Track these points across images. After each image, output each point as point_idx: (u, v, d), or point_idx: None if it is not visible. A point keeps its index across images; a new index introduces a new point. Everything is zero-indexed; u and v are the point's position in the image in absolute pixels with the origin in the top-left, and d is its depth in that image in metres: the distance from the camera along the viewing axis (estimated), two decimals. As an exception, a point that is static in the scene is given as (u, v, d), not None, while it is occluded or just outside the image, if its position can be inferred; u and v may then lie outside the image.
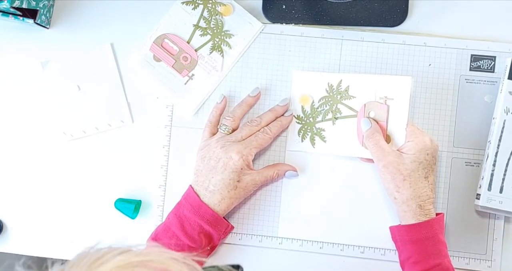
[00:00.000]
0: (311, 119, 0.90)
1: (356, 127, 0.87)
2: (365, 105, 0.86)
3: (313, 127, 0.90)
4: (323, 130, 0.89)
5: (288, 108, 0.90)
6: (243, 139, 0.85)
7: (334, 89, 0.89)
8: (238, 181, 0.84)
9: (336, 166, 0.90)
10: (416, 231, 0.80)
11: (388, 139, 0.85)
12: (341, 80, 0.88)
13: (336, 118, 0.88)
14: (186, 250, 0.81)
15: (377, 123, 0.85)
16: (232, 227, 0.87)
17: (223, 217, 0.85)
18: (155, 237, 0.84)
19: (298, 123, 0.90)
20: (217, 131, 0.88)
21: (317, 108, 0.90)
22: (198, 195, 0.84)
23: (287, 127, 0.90)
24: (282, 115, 0.89)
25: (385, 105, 0.85)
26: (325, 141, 0.89)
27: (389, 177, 0.80)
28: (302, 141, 0.90)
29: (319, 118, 0.90)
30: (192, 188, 0.86)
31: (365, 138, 0.84)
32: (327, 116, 0.89)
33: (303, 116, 0.90)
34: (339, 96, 0.88)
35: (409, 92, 0.84)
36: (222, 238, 0.87)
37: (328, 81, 0.89)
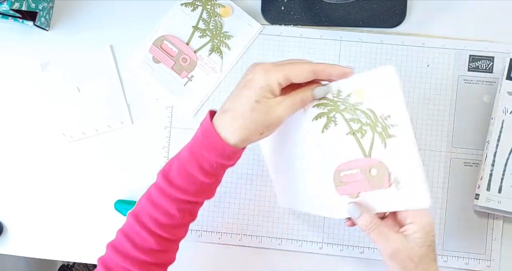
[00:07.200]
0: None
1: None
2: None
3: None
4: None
5: (352, 71, 0.71)
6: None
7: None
8: (257, 101, 0.68)
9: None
10: None
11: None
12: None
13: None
14: (200, 186, 0.74)
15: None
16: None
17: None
18: (168, 175, 0.74)
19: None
20: None
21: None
22: (216, 129, 0.71)
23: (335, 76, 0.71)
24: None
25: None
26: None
27: (399, 267, 0.71)
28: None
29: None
30: (210, 119, 0.72)
31: (364, 230, 0.72)
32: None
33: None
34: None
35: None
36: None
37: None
